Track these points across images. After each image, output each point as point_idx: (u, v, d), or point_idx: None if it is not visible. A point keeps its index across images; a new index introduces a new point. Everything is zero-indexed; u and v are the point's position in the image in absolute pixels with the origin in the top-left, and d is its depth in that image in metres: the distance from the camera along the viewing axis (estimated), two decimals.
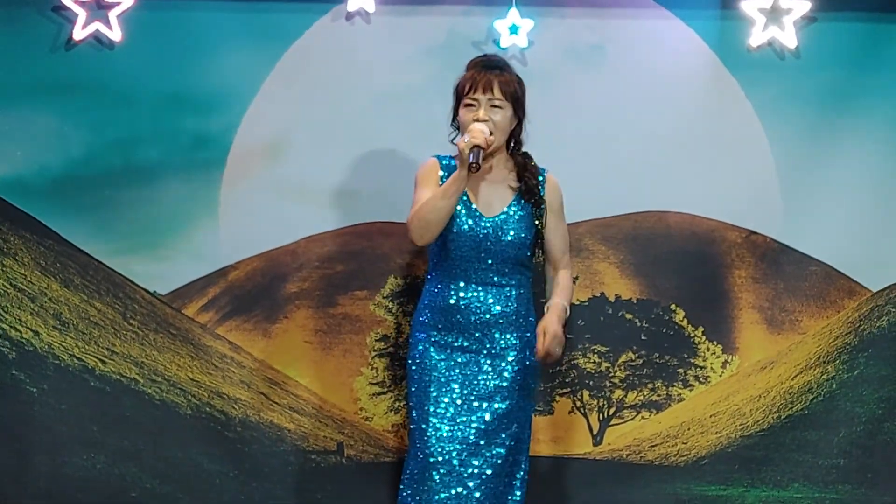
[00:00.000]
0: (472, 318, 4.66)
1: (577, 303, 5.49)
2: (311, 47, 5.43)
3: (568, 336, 5.28)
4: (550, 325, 4.60)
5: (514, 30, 5.35)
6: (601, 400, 5.55)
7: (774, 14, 5.38)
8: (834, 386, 5.52)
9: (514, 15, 5.34)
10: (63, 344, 5.42)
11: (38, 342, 5.41)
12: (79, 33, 5.28)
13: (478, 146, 4.46)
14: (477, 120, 4.58)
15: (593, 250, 5.57)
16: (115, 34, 5.28)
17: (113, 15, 5.27)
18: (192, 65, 5.41)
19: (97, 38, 5.32)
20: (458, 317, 4.66)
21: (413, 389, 4.74)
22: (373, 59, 5.40)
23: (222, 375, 5.48)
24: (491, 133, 4.54)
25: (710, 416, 5.54)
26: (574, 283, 5.23)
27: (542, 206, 4.68)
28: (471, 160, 4.42)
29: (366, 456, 5.47)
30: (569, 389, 5.53)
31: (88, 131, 5.41)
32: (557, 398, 5.51)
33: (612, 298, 5.56)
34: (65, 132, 5.41)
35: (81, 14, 5.27)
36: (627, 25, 5.47)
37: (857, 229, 5.53)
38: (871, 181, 5.51)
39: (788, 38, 5.36)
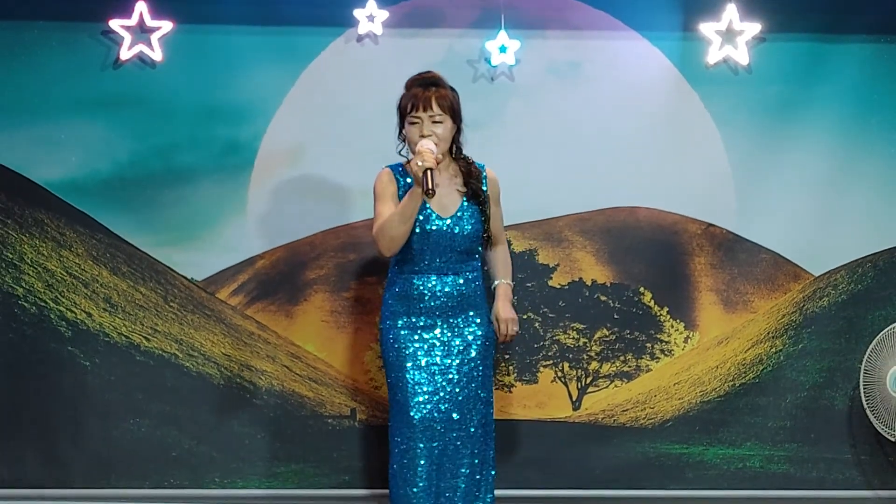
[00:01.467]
0: (435, 303, 4.77)
1: (559, 286, 5.63)
2: (327, 66, 5.59)
3: (549, 315, 5.53)
4: (502, 312, 4.78)
5: (503, 49, 5.51)
6: (579, 371, 5.68)
7: (729, 35, 5.55)
8: (781, 358, 5.67)
9: (503, 37, 5.49)
10: (112, 324, 5.59)
11: (90, 322, 5.56)
12: (125, 54, 5.47)
13: (429, 168, 4.53)
14: (423, 136, 4.66)
15: (572, 241, 5.68)
16: (157, 55, 5.48)
17: (154, 38, 5.47)
18: (223, 81, 5.57)
19: (141, 58, 5.50)
20: (422, 303, 4.77)
21: (390, 372, 4.81)
22: (380, 75, 5.51)
23: (250, 351, 5.62)
24: (437, 145, 4.63)
25: (674, 385, 5.69)
26: (553, 269, 5.55)
27: (487, 205, 4.79)
28: (426, 187, 4.50)
29: (375, 420, 5.61)
30: (551, 362, 5.66)
31: (133, 139, 5.59)
32: (541, 369, 5.64)
33: (588, 282, 5.67)
34: (112, 140, 5.58)
35: (127, 37, 5.46)
36: (602, 45, 5.62)
37: (802, 222, 5.67)
38: (813, 180, 5.65)
39: (741, 56, 5.54)
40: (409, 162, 4.79)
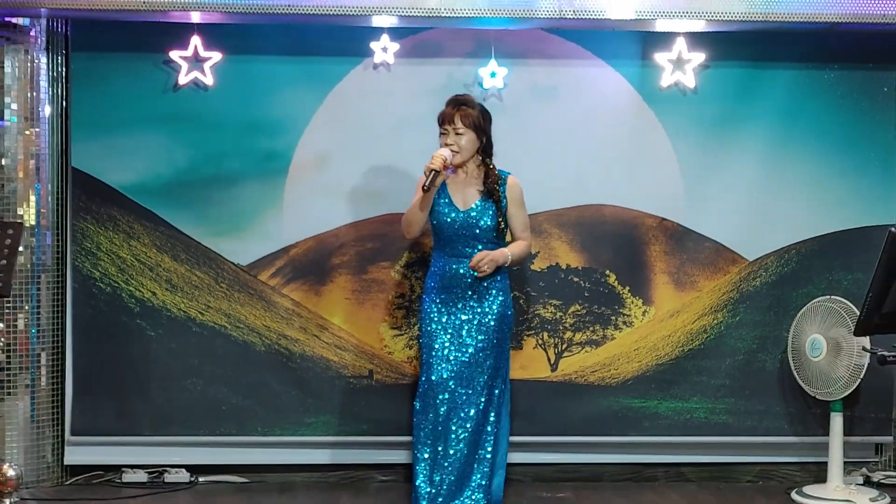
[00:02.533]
0: (461, 282, 5.06)
1: (539, 270, 5.81)
2: (349, 88, 5.77)
3: (531, 294, 5.74)
4: (489, 252, 4.98)
5: (493, 75, 5.74)
6: (556, 339, 5.87)
7: (679, 63, 5.75)
8: (722, 328, 5.88)
9: (493, 64, 5.72)
10: (173, 301, 5.78)
11: (155, 300, 5.77)
12: (182, 79, 5.68)
13: (435, 169, 4.85)
14: (446, 144, 4.98)
15: (550, 232, 5.84)
16: (209, 80, 5.69)
17: (207, 66, 5.68)
18: (263, 101, 5.75)
19: (195, 83, 5.71)
20: (451, 281, 5.06)
21: (422, 333, 5.12)
22: (392, 97, 5.76)
23: (286, 323, 5.80)
24: (456, 153, 4.95)
25: (634, 350, 5.89)
26: (534, 256, 5.73)
27: (501, 203, 5.05)
28: (425, 183, 4.84)
29: (389, 379, 5.82)
30: (533, 332, 5.85)
31: (189, 149, 5.75)
32: (525, 338, 5.83)
33: (564, 267, 5.87)
34: (173, 150, 5.74)
35: (184, 66, 5.67)
36: (574, 71, 5.81)
37: (739, 216, 5.86)
38: (748, 182, 5.85)
39: (689, 80, 5.76)
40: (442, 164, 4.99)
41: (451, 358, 5.05)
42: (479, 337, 5.08)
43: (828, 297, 5.67)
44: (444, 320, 5.09)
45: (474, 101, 5.17)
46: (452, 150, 5.00)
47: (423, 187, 4.88)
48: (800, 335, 5.69)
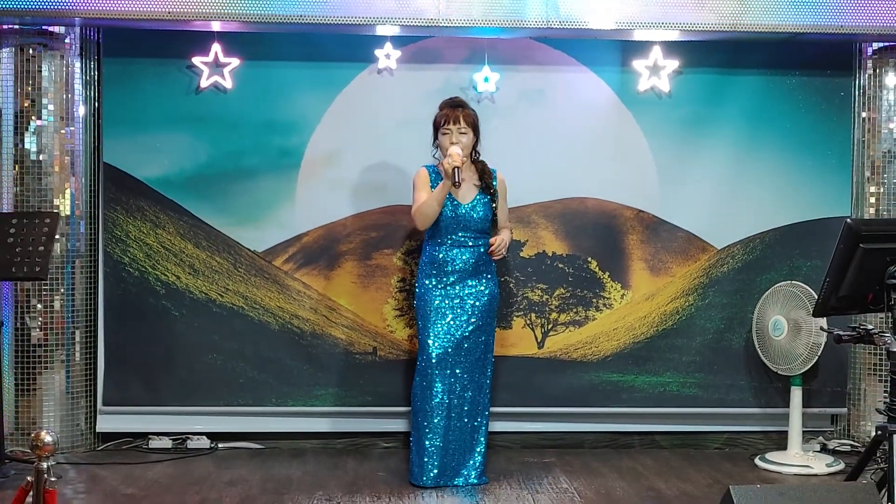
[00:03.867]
0: (455, 267, 5.13)
1: (527, 257, 5.86)
2: (355, 91, 5.81)
3: (520, 278, 5.76)
4: (502, 235, 5.15)
5: (486, 80, 5.81)
6: (543, 319, 5.91)
7: (655, 69, 5.83)
8: (693, 310, 5.93)
9: (486, 70, 5.80)
10: (195, 284, 5.82)
11: (179, 283, 5.80)
12: (204, 83, 5.74)
13: (457, 167, 4.92)
14: (452, 143, 5.02)
15: (538, 223, 5.89)
16: (228, 83, 5.75)
17: (226, 70, 5.74)
18: (277, 103, 5.78)
19: (216, 86, 5.76)
20: (446, 267, 5.13)
21: (421, 315, 5.17)
22: (394, 99, 5.80)
23: (298, 304, 5.83)
24: (462, 151, 5.03)
25: (613, 330, 5.94)
26: (523, 244, 5.85)
27: (496, 196, 5.17)
28: (455, 179, 4.91)
29: (391, 356, 5.85)
30: (522, 313, 5.91)
31: (211, 146, 5.78)
32: (514, 318, 5.88)
33: (550, 254, 5.92)
34: (195, 147, 5.76)
35: (206, 70, 5.73)
36: (560, 77, 5.86)
37: (709, 208, 5.91)
38: (717, 177, 5.89)
39: (664, 84, 5.83)
40: (440, 163, 5.07)
41: (453, 336, 5.11)
42: (476, 315, 5.15)
43: (789, 282, 5.69)
44: (443, 302, 5.14)
45: (467, 102, 5.26)
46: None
47: (454, 182, 4.89)
48: (763, 316, 5.71)
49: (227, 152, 5.83)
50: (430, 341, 5.10)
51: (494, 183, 5.21)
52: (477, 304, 5.15)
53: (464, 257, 5.15)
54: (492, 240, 5.12)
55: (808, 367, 5.59)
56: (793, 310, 5.58)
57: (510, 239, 5.30)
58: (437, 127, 5.17)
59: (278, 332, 5.88)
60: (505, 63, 5.86)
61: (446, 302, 5.12)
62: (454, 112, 5.11)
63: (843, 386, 6.02)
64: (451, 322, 5.11)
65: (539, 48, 5.87)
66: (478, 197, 5.17)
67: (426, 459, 5.10)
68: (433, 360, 5.09)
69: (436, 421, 5.07)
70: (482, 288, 5.18)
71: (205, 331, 5.84)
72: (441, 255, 5.16)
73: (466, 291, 5.15)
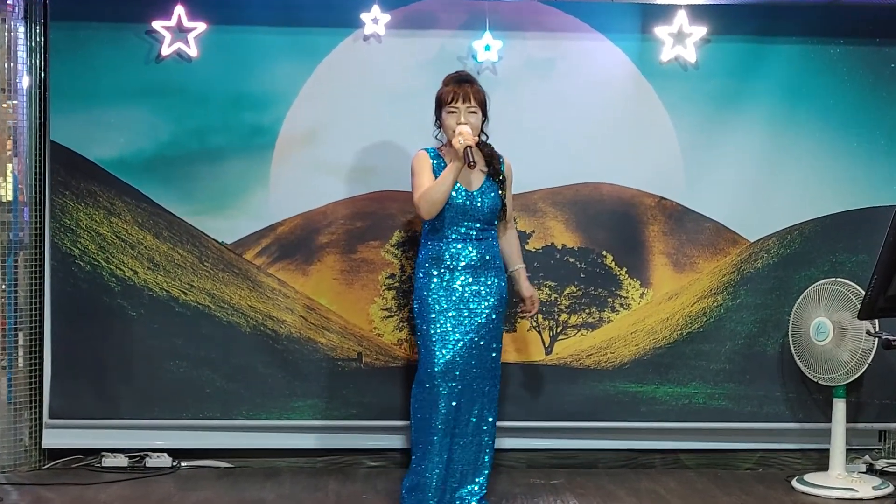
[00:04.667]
0: (460, 263, 4.95)
1: (533, 250, 5.75)
2: (338, 61, 5.68)
3: (526, 274, 5.45)
4: (526, 291, 5.14)
5: (487, 48, 5.66)
6: (551, 321, 5.80)
7: (679, 37, 5.70)
8: (722, 311, 5.81)
9: (487, 37, 5.65)
10: (155, 280, 5.69)
11: (136, 279, 5.67)
12: (165, 50, 5.59)
13: (469, 146, 4.74)
14: (459, 123, 4.84)
15: (545, 212, 5.78)
16: (193, 51, 5.60)
17: (191, 37, 5.58)
18: (249, 74, 5.66)
19: (179, 54, 5.61)
20: (451, 262, 4.94)
21: (423, 318, 4.95)
22: (383, 69, 5.67)
23: (272, 303, 5.72)
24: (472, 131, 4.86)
25: (631, 333, 5.83)
26: (529, 235, 5.75)
27: (504, 184, 5.03)
28: (469, 159, 4.71)
29: (378, 362, 5.74)
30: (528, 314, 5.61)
31: (172, 123, 5.66)
32: (519, 320, 5.73)
33: (559, 247, 5.80)
34: (155, 124, 5.65)
35: (167, 36, 5.58)
36: (572, 45, 5.74)
37: (740, 196, 5.79)
38: (749, 160, 5.77)
39: (689, 54, 5.70)
40: (446, 144, 4.91)
41: (461, 341, 4.94)
42: (484, 318, 4.98)
43: (833, 279, 5.59)
44: (449, 304, 4.96)
45: (476, 78, 5.10)
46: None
47: (468, 163, 4.73)
48: (803, 319, 5.61)
49: (191, 130, 5.74)
50: (435, 348, 4.91)
51: (502, 169, 5.08)
52: (485, 305, 4.98)
53: (470, 252, 4.97)
54: (526, 296, 5.21)
55: (856, 376, 5.48)
56: (837, 311, 5.47)
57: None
58: (440, 104, 4.99)
59: (250, 335, 5.79)
60: (508, 29, 5.76)
61: (452, 303, 4.94)
62: (462, 88, 4.92)
63: (892, 398, 5.86)
64: (459, 326, 4.94)
65: (548, 12, 5.79)
66: (486, 183, 5.01)
67: (428, 482, 4.89)
68: (439, 370, 4.89)
69: (439, 438, 4.88)
70: (491, 286, 5.00)
71: (166, 333, 5.75)
72: (445, 250, 4.97)
73: (473, 290, 4.97)
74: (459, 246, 4.97)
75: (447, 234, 4.97)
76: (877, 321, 5.26)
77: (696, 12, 5.70)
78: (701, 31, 5.71)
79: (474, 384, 4.96)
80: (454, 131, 4.87)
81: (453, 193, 4.90)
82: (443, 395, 4.89)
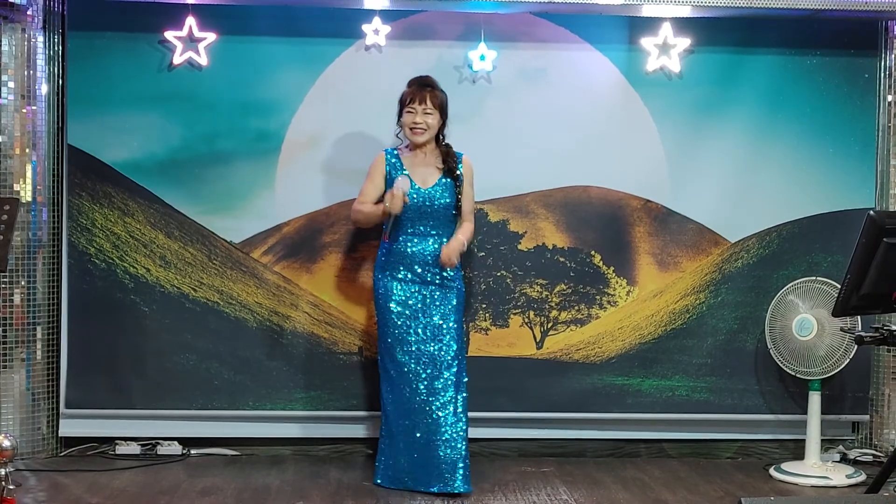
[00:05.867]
0: (418, 259, 5.13)
1: (526, 250, 5.83)
2: (340, 69, 5.77)
3: (518, 273, 5.79)
4: (452, 243, 5.12)
5: (482, 58, 5.74)
6: (542, 317, 5.88)
7: (664, 48, 5.79)
8: (704, 308, 5.91)
9: (482, 47, 5.73)
10: (166, 277, 5.78)
11: (149, 276, 5.77)
12: (177, 59, 5.68)
13: (395, 214, 5.00)
14: (414, 123, 5.08)
15: (537, 213, 5.86)
16: (203, 60, 5.69)
17: (201, 46, 5.68)
18: (256, 82, 5.74)
19: (190, 63, 5.70)
20: (408, 259, 5.13)
21: (382, 316, 5.15)
22: (383, 78, 5.73)
23: (278, 300, 5.81)
24: (424, 131, 5.09)
25: (618, 329, 5.92)
26: (521, 236, 5.77)
27: (460, 182, 5.15)
28: (388, 224, 5.05)
29: (378, 356, 5.47)
30: (519, 310, 5.88)
31: (183, 128, 5.74)
32: (511, 316, 5.85)
33: (550, 247, 5.89)
34: (167, 129, 5.73)
35: (179, 46, 5.67)
36: (562, 55, 5.82)
37: (722, 198, 5.89)
38: (730, 164, 5.86)
39: (674, 64, 5.79)
40: (407, 146, 5.13)
41: (416, 333, 5.12)
42: (443, 313, 5.14)
43: (814, 277, 5.69)
44: (406, 300, 5.14)
45: (437, 82, 5.28)
46: (420, 129, 5.10)
47: (384, 233, 5.07)
48: (782, 315, 5.67)
49: (201, 135, 5.80)
50: (395, 346, 5.12)
51: (460, 167, 5.21)
52: (443, 302, 5.16)
53: (426, 250, 5.15)
54: (444, 247, 5.12)
55: (837, 370, 5.62)
56: (815, 308, 5.59)
57: (468, 240, 5.28)
58: (402, 104, 5.21)
59: (256, 329, 5.86)
60: (502, 40, 5.83)
61: (409, 298, 5.12)
62: (421, 92, 5.15)
63: (864, 391, 5.98)
64: (413, 321, 5.13)
65: (540, 24, 5.85)
66: (441, 180, 5.18)
67: (388, 459, 5.17)
68: (400, 367, 5.12)
69: (407, 423, 5.11)
70: (449, 283, 5.17)
71: (177, 328, 5.82)
72: (401, 248, 5.16)
73: (429, 286, 5.15)
74: (416, 244, 5.13)
75: (403, 231, 5.14)
76: (858, 318, 5.35)
77: (681, 24, 5.77)
78: (685, 42, 5.79)
79: (437, 376, 5.09)
80: (410, 128, 5.13)
81: (411, 191, 5.07)
82: (406, 389, 5.09)
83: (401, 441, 5.14)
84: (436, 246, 5.17)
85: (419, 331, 5.14)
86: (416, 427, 5.12)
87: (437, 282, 5.16)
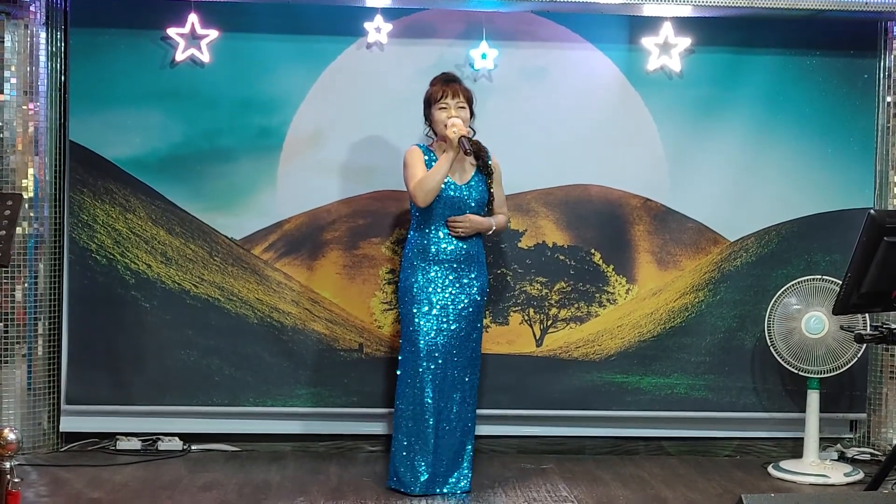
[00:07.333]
0: (447, 256, 5.12)
1: (526, 248, 5.88)
2: (342, 67, 5.81)
3: (518, 271, 5.82)
4: (477, 216, 5.12)
5: (484, 56, 5.79)
6: (542, 315, 5.92)
7: (665, 47, 5.83)
8: (703, 307, 5.95)
9: (484, 46, 5.79)
10: (168, 273, 5.82)
11: (150, 272, 5.80)
12: (179, 56, 5.73)
13: (464, 136, 4.98)
14: (449, 117, 5.06)
15: (537, 211, 5.91)
16: (205, 57, 5.73)
17: (203, 43, 5.72)
18: (258, 79, 5.78)
19: (192, 60, 5.75)
20: (438, 255, 5.13)
21: (405, 311, 5.16)
22: (385, 76, 5.81)
23: (279, 296, 5.85)
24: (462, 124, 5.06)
25: (617, 327, 5.96)
26: (521, 234, 5.89)
27: (492, 177, 5.21)
28: (465, 147, 4.95)
29: (378, 353, 5.88)
30: (520, 308, 5.92)
31: (185, 125, 5.78)
32: (511, 314, 5.90)
33: (550, 245, 5.93)
34: (169, 125, 5.76)
35: (181, 42, 5.72)
36: (563, 54, 5.87)
37: (721, 198, 5.93)
38: (730, 164, 5.90)
39: (675, 64, 5.84)
40: (437, 139, 5.13)
41: (443, 330, 5.12)
42: (467, 308, 5.17)
43: (819, 276, 5.70)
44: (432, 296, 5.14)
45: (461, 78, 5.32)
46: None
47: (465, 151, 4.95)
48: (786, 313, 5.66)
49: (203, 132, 5.83)
50: (419, 338, 5.10)
51: (490, 163, 5.25)
52: (468, 298, 5.17)
53: (456, 245, 5.16)
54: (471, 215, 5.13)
55: (845, 368, 5.64)
56: (820, 307, 5.64)
57: (498, 225, 5.30)
58: (429, 103, 5.20)
59: (257, 326, 5.89)
60: (504, 39, 5.87)
61: (436, 295, 5.12)
62: (451, 86, 5.15)
63: (863, 390, 6.02)
64: (441, 317, 5.12)
65: (541, 23, 5.89)
66: (474, 177, 5.20)
67: (417, 464, 5.11)
68: (422, 359, 5.10)
69: (426, 421, 5.09)
70: (473, 280, 5.19)
71: (178, 324, 5.84)
72: (431, 243, 5.16)
73: (457, 284, 5.16)
74: (446, 239, 5.14)
75: (435, 226, 5.15)
76: (867, 316, 5.42)
77: (681, 24, 5.81)
78: (685, 42, 5.83)
79: (455, 373, 5.13)
80: (445, 125, 5.05)
81: (444, 185, 5.07)
82: (427, 382, 5.08)
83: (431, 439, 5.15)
84: (464, 243, 5.17)
85: (443, 325, 5.12)
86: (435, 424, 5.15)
87: (465, 280, 5.17)
